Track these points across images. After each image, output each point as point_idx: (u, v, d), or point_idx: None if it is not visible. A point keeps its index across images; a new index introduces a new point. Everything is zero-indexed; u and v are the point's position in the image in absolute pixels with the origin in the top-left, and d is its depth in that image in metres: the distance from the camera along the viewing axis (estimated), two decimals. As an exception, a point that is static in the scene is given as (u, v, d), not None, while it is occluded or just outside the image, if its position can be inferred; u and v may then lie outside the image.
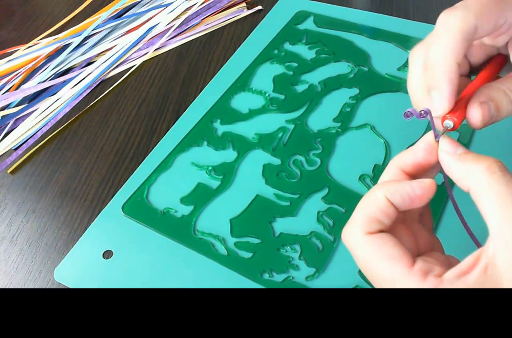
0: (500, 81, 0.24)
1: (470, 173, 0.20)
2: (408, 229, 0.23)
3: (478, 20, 0.22)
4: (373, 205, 0.21)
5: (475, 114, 0.23)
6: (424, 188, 0.21)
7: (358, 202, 0.23)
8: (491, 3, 0.23)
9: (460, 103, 0.24)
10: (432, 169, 0.24)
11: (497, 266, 0.18)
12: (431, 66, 0.23)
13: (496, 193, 0.19)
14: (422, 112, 0.22)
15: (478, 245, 0.24)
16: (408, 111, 0.23)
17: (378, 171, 0.39)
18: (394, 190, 0.21)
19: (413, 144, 0.39)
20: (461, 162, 0.21)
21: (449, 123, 0.23)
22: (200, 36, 0.54)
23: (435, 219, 0.35)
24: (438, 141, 0.23)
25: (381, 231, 0.21)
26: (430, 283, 0.19)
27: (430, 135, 0.23)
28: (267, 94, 0.45)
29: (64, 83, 0.50)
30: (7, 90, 0.50)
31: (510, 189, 0.19)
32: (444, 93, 0.23)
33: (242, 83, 0.46)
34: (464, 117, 0.24)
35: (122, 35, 0.55)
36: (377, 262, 0.20)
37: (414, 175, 0.24)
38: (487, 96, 0.23)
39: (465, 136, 0.40)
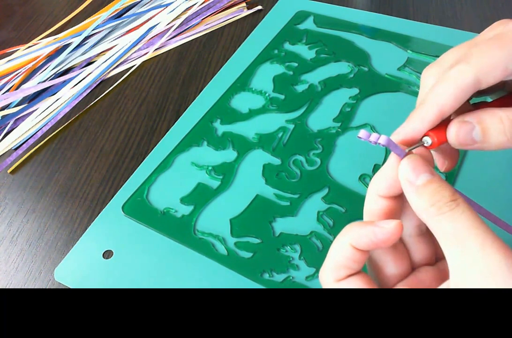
0: (502, 108, 0.22)
1: (425, 211, 0.20)
2: (393, 251, 0.23)
3: (478, 73, 0.21)
4: (340, 254, 0.21)
5: (451, 131, 0.22)
6: (387, 233, 0.20)
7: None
8: (494, 51, 0.21)
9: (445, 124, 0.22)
10: None
11: None
12: (418, 104, 0.23)
13: (446, 233, 0.19)
14: (371, 142, 0.21)
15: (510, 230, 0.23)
16: (359, 136, 0.21)
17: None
18: (357, 236, 0.21)
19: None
20: (418, 197, 0.20)
21: (427, 140, 0.22)
22: (200, 36, 0.54)
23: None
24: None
25: (351, 275, 0.21)
26: None
27: (393, 157, 0.21)
28: (267, 94, 0.45)
29: (64, 83, 0.50)
30: (7, 90, 0.50)
31: (458, 229, 0.18)
32: (405, 128, 0.22)
33: (242, 83, 0.46)
34: (444, 140, 0.22)
35: (122, 35, 0.55)
36: None
37: (394, 195, 0.22)
38: (476, 118, 0.22)
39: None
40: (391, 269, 0.22)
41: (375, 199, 0.23)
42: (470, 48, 0.22)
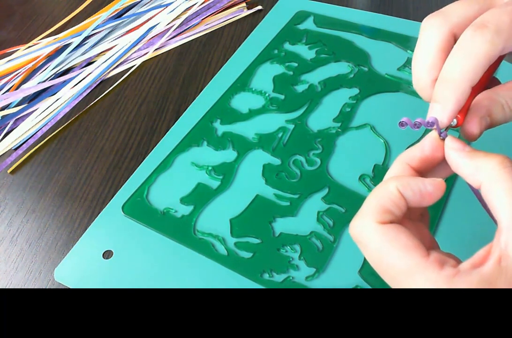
0: (500, 91, 0.24)
1: (481, 169, 0.21)
2: (414, 225, 0.23)
3: (507, 43, 0.22)
4: (385, 196, 0.21)
5: (475, 129, 0.23)
6: (436, 185, 0.21)
7: (366, 196, 0.23)
8: None
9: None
10: (438, 168, 0.24)
11: (511, 257, 0.18)
12: (445, 79, 0.23)
13: (508, 186, 0.19)
14: (417, 123, 0.23)
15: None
16: (403, 121, 0.23)
17: (378, 171, 0.39)
18: (407, 183, 0.21)
19: (413, 144, 0.39)
20: (471, 159, 0.21)
21: (453, 120, 0.24)
22: (200, 36, 0.54)
23: (434, 220, 0.35)
24: (443, 139, 0.23)
25: (391, 223, 0.21)
26: (447, 273, 0.19)
27: (434, 132, 0.23)
28: (267, 94, 0.45)
29: (64, 83, 0.50)
30: (7, 90, 0.50)
31: None
32: (447, 112, 0.23)
33: (242, 83, 0.46)
34: (466, 112, 0.24)
35: (122, 35, 0.55)
36: (392, 252, 0.20)
37: (421, 170, 0.24)
38: (487, 111, 0.23)
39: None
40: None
41: (403, 167, 0.23)
42: (488, 13, 0.22)
